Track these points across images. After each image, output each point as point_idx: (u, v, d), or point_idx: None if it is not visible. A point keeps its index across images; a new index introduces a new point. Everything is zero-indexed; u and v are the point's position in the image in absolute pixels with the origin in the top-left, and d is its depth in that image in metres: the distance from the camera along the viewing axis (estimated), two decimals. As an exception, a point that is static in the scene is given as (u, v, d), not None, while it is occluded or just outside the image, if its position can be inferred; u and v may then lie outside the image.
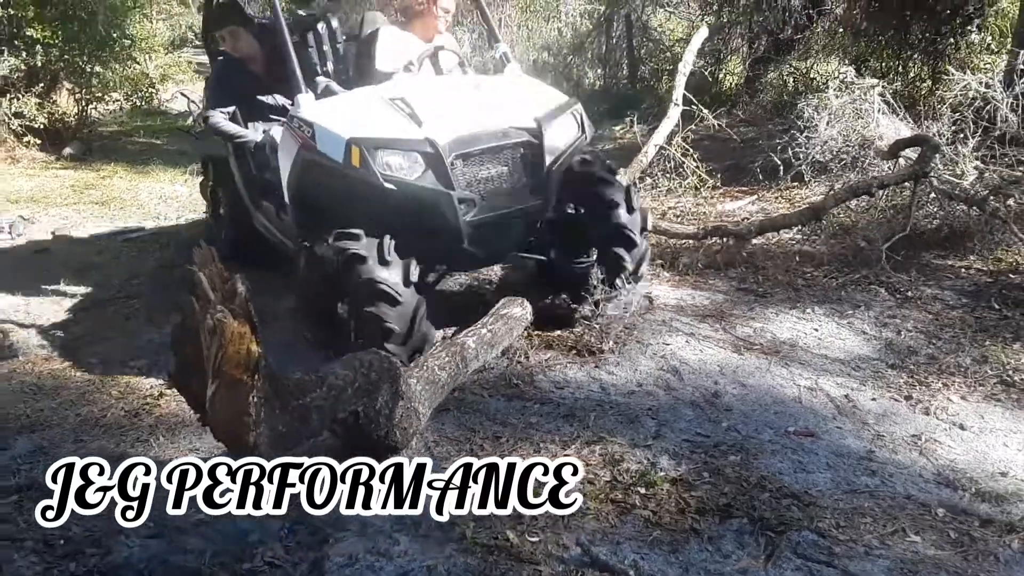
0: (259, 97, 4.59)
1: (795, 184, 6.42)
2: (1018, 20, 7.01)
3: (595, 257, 4.05)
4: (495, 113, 3.73)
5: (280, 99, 4.52)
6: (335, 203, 3.57)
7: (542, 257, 4.16)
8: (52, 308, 4.58)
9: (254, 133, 4.44)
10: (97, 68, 9.48)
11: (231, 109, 4.53)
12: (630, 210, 3.88)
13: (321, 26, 4.82)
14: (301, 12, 5.42)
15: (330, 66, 4.79)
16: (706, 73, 10.25)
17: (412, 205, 3.44)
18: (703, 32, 8.23)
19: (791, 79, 9.62)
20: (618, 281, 3.94)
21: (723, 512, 2.61)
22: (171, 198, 7.23)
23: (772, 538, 2.48)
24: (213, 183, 5.23)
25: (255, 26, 4.86)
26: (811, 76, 9.09)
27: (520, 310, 3.88)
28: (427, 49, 4.25)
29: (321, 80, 4.17)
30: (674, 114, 6.82)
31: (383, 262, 3.27)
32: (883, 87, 6.14)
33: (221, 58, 4.89)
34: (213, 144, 5.32)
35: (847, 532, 2.51)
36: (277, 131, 4.07)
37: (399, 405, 2.77)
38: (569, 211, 4.09)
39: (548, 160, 3.66)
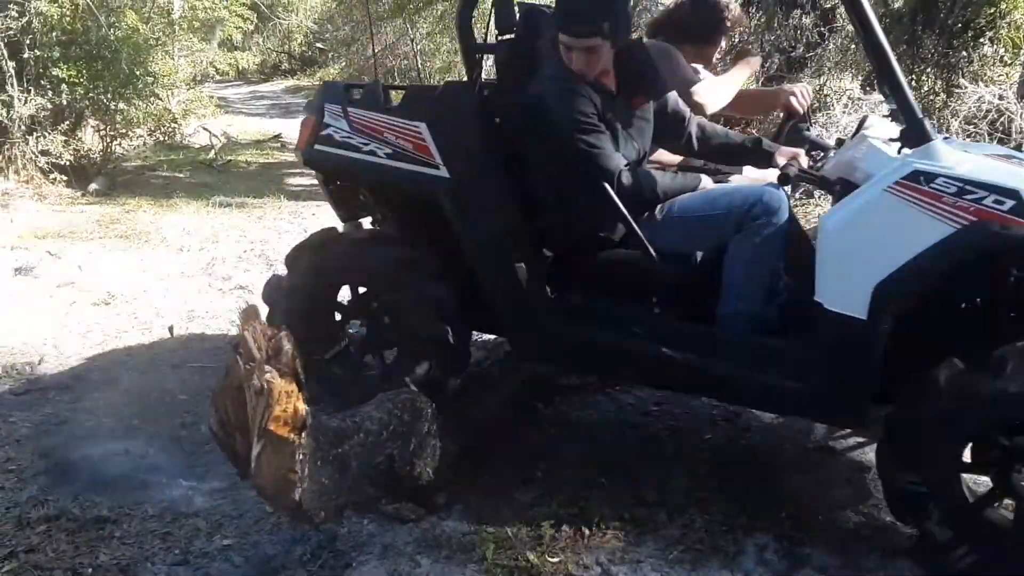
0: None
1: (808, 201, 6.42)
2: (1032, 31, 7.01)
3: None
4: None
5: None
6: None
7: None
8: (78, 341, 4.65)
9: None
10: (121, 105, 9.68)
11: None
12: None
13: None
14: None
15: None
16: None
17: None
18: None
19: (804, 96, 9.63)
20: None
21: (744, 529, 2.61)
22: (194, 230, 7.34)
23: (794, 555, 2.47)
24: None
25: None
26: (824, 93, 9.11)
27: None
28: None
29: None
30: None
31: None
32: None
33: (563, 79, 2.76)
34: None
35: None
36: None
37: (430, 445, 2.76)
38: None
39: None
